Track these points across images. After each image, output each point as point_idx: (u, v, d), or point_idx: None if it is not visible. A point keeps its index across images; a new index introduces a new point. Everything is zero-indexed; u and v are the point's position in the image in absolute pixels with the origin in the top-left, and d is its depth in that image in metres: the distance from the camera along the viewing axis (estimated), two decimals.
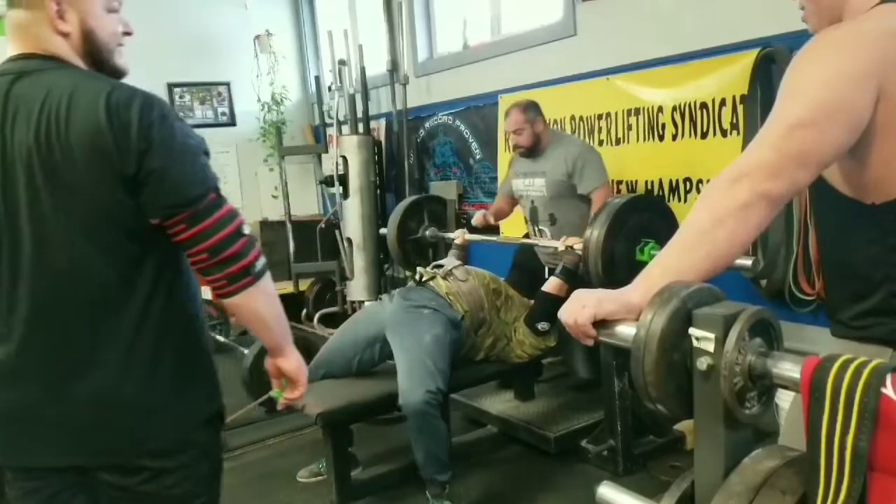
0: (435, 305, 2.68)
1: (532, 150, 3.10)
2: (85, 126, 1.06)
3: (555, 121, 3.68)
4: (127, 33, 1.24)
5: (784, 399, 1.35)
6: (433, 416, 2.39)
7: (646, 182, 3.25)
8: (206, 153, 1.18)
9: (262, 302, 1.21)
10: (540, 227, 3.18)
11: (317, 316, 4.81)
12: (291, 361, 1.35)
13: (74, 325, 1.13)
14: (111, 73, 1.20)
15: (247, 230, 1.18)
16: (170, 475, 1.20)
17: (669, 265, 0.94)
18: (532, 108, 3.07)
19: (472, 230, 3.38)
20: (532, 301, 2.91)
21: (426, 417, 2.37)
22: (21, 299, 1.13)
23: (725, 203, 0.93)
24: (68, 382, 1.14)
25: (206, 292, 1.25)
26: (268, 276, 1.21)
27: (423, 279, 2.82)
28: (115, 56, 1.22)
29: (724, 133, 2.89)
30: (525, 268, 3.23)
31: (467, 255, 3.27)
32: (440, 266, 2.91)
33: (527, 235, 3.35)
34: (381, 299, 2.98)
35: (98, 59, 1.19)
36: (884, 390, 0.67)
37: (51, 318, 1.13)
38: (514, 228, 3.93)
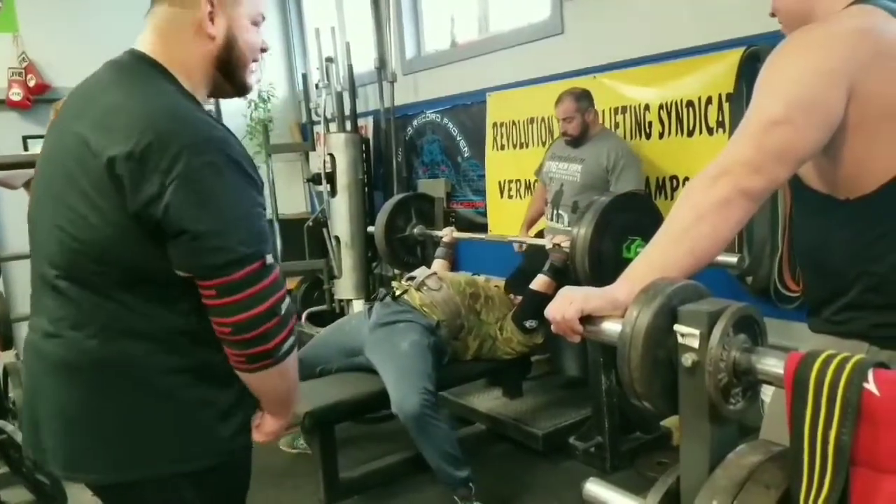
0: (409, 318, 2.68)
1: (579, 139, 3.08)
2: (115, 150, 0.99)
3: (542, 119, 3.69)
4: (264, 49, 1.20)
5: (767, 394, 1.36)
6: (432, 416, 2.37)
7: None
8: (263, 206, 1.07)
9: (276, 383, 1.12)
10: (559, 212, 3.17)
11: (304, 314, 4.79)
12: (276, 424, 1.22)
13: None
14: (238, 87, 1.18)
15: (284, 306, 1.05)
16: None
17: (654, 261, 0.95)
18: (585, 98, 3.06)
19: (461, 228, 3.38)
20: (516, 297, 2.92)
21: (425, 419, 2.34)
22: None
23: (706, 199, 0.95)
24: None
25: None
26: (292, 356, 1.10)
27: (397, 294, 2.81)
28: (246, 71, 1.17)
29: (710, 131, 2.91)
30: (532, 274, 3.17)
31: (455, 253, 3.27)
32: (413, 278, 2.90)
33: (539, 234, 3.33)
34: (367, 314, 2.95)
35: (229, 70, 1.14)
36: (866, 385, 0.68)
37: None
38: (505, 227, 3.94)
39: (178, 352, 1.08)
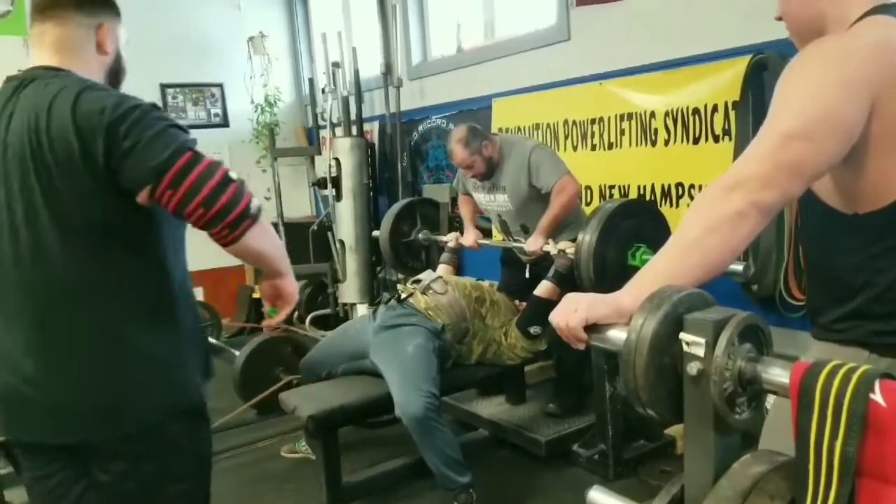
0: (414, 321, 2.67)
1: (488, 173, 2.95)
2: (60, 127, 1.16)
3: (548, 125, 3.69)
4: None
5: (768, 402, 1.35)
6: (435, 420, 2.37)
7: (638, 187, 3.25)
8: (180, 127, 1.24)
9: (263, 239, 1.29)
10: (515, 238, 3.11)
11: (308, 318, 4.80)
12: (291, 282, 1.45)
13: (57, 317, 1.23)
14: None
15: (234, 176, 1.22)
16: (140, 462, 1.28)
17: (661, 271, 0.95)
18: (474, 138, 2.86)
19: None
20: (521, 303, 2.92)
21: (428, 422, 2.34)
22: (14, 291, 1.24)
23: (718, 211, 0.94)
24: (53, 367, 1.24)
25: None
26: (263, 218, 1.27)
27: (403, 297, 2.81)
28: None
29: (716, 139, 2.90)
30: (513, 263, 3.16)
31: (460, 258, 3.27)
32: (419, 281, 2.90)
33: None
34: (372, 316, 2.94)
35: (118, 80, 1.39)
36: (872, 396, 0.68)
37: (37, 310, 1.24)
38: None
39: (152, 313, 1.28)
